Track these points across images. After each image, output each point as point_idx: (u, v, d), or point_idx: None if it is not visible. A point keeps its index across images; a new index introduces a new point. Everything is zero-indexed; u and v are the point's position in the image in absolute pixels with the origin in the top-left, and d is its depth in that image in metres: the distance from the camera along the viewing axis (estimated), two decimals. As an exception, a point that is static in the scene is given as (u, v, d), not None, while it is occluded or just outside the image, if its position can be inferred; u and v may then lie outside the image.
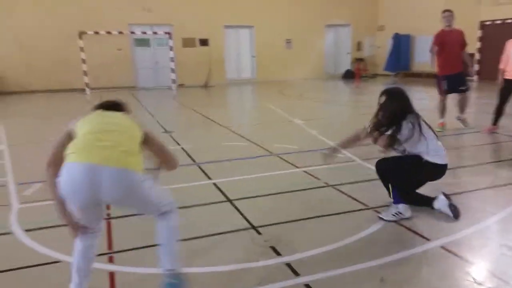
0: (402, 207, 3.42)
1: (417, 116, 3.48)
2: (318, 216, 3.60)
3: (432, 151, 3.43)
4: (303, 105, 11.27)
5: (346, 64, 20.61)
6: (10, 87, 15.45)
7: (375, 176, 4.54)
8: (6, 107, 12.34)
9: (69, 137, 2.30)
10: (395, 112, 3.45)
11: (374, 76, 20.25)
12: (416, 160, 3.44)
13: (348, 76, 19.78)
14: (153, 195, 2.32)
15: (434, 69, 7.33)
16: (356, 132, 3.74)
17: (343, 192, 4.14)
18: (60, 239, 3.23)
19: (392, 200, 3.50)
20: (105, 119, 2.38)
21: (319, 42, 19.93)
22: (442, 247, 2.94)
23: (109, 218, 3.67)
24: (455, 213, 3.41)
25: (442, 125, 7.09)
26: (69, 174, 2.10)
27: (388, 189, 3.54)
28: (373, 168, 4.76)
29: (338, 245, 3.03)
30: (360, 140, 3.74)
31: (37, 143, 7.03)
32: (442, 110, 7.18)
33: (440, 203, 3.50)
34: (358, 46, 20.72)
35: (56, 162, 2.23)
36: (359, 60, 20.13)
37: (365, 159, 5.18)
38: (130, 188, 2.16)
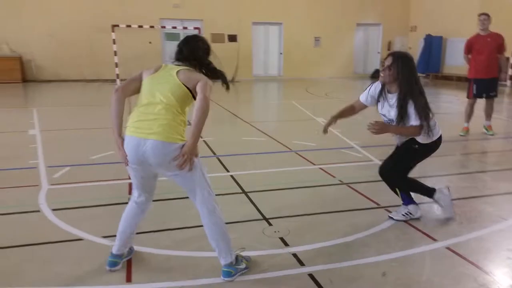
0: (412, 207, 3.45)
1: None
2: (330, 212, 3.69)
3: (433, 129, 3.27)
4: (327, 104, 11.27)
5: (375, 64, 20.37)
6: (46, 76, 16.10)
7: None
8: (41, 95, 12.89)
9: (137, 81, 2.65)
10: (411, 75, 3.19)
11: (404, 77, 19.91)
12: (413, 149, 3.31)
13: (377, 75, 19.37)
14: (192, 173, 2.47)
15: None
16: (352, 103, 3.67)
17: (356, 191, 4.20)
18: (84, 218, 3.47)
19: (402, 201, 3.51)
20: (155, 86, 2.51)
21: (348, 41, 19.76)
22: (448, 248, 2.98)
23: (129, 202, 3.87)
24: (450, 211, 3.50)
25: (466, 129, 7.01)
26: (126, 145, 2.49)
27: (395, 192, 3.50)
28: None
29: (345, 240, 3.12)
30: (355, 111, 3.64)
31: (67, 130, 7.38)
32: (469, 114, 7.07)
33: (443, 197, 3.48)
34: (389, 46, 20.42)
35: (124, 90, 2.63)
36: (389, 60, 19.84)
37: (382, 159, 5.20)
38: (170, 157, 2.39)
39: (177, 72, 2.53)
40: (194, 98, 2.50)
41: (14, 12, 15.41)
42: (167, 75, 2.54)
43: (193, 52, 2.64)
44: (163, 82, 2.50)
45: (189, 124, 2.45)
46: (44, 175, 4.58)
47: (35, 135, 6.66)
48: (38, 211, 3.60)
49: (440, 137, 3.43)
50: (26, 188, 4.17)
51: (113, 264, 2.67)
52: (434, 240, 3.12)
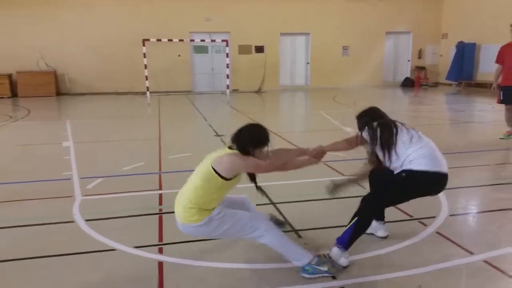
0: (337, 251, 2.83)
1: (385, 122, 3.06)
2: (361, 224, 3.61)
3: (412, 157, 2.87)
4: (356, 113, 11.12)
5: (405, 72, 20.03)
6: (79, 89, 16.67)
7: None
8: (74, 107, 13.33)
9: None
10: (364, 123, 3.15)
11: (435, 85, 19.51)
12: (401, 178, 2.89)
13: (407, 84, 19.21)
14: (226, 231, 2.75)
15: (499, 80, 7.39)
16: (347, 139, 3.36)
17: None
18: (116, 229, 3.53)
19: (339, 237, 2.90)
20: (197, 168, 2.84)
21: (378, 49, 19.54)
22: (485, 261, 2.86)
23: (160, 213, 3.92)
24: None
25: (508, 133, 7.13)
26: None
27: (348, 224, 2.91)
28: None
29: (378, 253, 3.05)
30: (352, 147, 3.33)
31: (99, 142, 7.58)
32: (509, 119, 7.17)
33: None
34: (419, 53, 20.06)
35: None
36: (420, 68, 19.49)
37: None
38: (196, 234, 2.81)
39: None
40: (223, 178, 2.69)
41: (49, 28, 16.10)
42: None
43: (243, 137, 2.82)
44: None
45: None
46: (78, 186, 4.71)
47: (69, 147, 6.87)
48: (73, 221, 3.70)
49: (436, 174, 2.88)
50: (61, 199, 4.30)
51: None
52: (471, 253, 3.00)
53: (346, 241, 2.83)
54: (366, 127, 3.08)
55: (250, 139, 2.77)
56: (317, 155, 3.18)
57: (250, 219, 2.76)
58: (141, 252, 3.09)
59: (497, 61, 7.21)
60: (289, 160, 3.09)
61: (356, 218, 2.86)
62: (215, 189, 2.70)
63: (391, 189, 2.95)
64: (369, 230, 3.16)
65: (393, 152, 2.94)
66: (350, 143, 3.28)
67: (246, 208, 3.06)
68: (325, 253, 2.84)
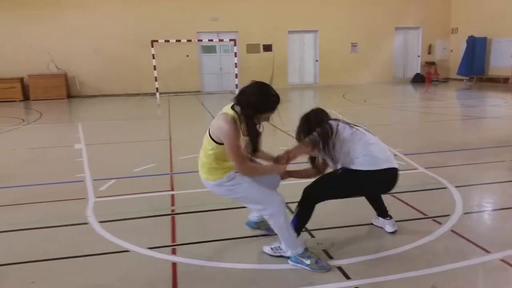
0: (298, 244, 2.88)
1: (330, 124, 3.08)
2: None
3: (359, 155, 2.90)
4: (366, 111, 11.06)
5: (415, 68, 19.86)
6: (89, 92, 16.81)
7: (436, 185, 4.46)
8: (85, 109, 13.45)
9: None
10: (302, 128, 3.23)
11: (446, 80, 19.30)
12: (336, 174, 3.01)
13: (418, 80, 19.04)
14: (237, 199, 2.89)
15: None
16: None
17: (402, 201, 4.07)
18: (130, 230, 3.56)
19: None
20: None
21: (387, 45, 19.38)
22: (502, 260, 2.82)
23: (173, 213, 3.94)
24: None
25: None
26: None
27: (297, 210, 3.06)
28: (437, 177, 4.67)
29: (392, 252, 3.02)
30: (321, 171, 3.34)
31: (110, 143, 7.63)
32: None
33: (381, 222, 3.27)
34: (429, 49, 19.86)
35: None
36: (430, 63, 19.29)
37: (428, 167, 5.04)
38: (214, 192, 2.87)
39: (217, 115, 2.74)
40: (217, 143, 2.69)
41: (58, 32, 16.23)
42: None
43: (245, 98, 2.66)
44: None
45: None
46: (91, 188, 4.75)
47: (81, 149, 6.93)
48: (86, 223, 3.73)
49: (380, 172, 2.90)
50: (74, 201, 4.34)
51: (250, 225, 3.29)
52: (487, 251, 2.96)
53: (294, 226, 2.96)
54: (308, 139, 3.10)
55: (250, 102, 2.60)
56: (281, 160, 3.11)
57: (261, 197, 2.77)
58: (154, 253, 3.10)
59: None
60: (258, 167, 3.02)
61: (298, 208, 3.05)
62: (216, 151, 2.70)
63: (328, 184, 3.08)
64: (378, 224, 3.41)
65: (334, 155, 2.99)
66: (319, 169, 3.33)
67: (273, 186, 3.04)
68: (318, 254, 2.93)
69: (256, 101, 2.61)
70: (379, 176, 2.94)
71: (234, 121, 2.62)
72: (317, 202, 3.05)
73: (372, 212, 3.48)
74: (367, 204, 3.68)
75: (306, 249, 2.85)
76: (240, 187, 2.77)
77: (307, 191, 3.05)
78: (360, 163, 2.90)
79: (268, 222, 2.89)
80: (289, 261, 2.88)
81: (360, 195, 3.33)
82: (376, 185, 3.04)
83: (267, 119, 2.78)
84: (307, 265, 2.80)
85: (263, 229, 3.30)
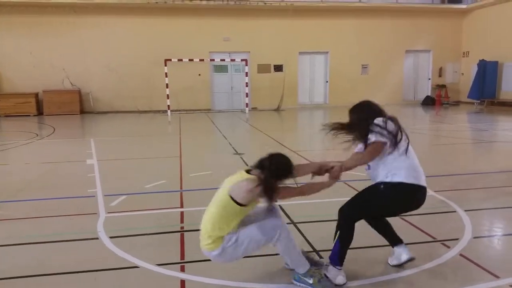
0: (333, 271, 2.85)
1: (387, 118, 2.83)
2: (383, 246, 3.57)
3: (396, 168, 2.75)
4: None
5: (426, 91, 19.91)
6: (102, 108, 17.10)
7: (446, 208, 4.44)
8: (97, 125, 13.65)
9: None
10: (357, 120, 2.94)
11: (457, 103, 19.28)
12: (379, 191, 2.80)
13: (428, 102, 19.05)
14: (246, 248, 2.77)
15: None
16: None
17: (410, 223, 4.06)
18: (140, 246, 3.59)
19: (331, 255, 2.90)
20: (215, 195, 2.84)
21: (397, 68, 19.50)
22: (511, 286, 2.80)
23: (182, 231, 3.97)
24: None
25: None
26: None
27: (334, 239, 2.91)
28: (446, 200, 4.66)
29: (401, 275, 3.01)
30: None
31: (122, 159, 7.74)
32: None
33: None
34: (440, 72, 19.93)
35: None
36: (441, 86, 19.32)
37: (437, 191, 5.02)
38: (219, 261, 2.82)
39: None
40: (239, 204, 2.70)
41: (74, 49, 16.67)
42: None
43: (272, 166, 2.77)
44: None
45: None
46: (102, 203, 4.82)
47: (93, 164, 7.03)
48: (97, 238, 3.78)
49: (418, 187, 2.76)
50: (86, 216, 4.40)
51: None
52: (496, 277, 2.94)
53: (337, 258, 2.84)
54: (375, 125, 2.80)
55: (275, 170, 2.73)
56: (337, 174, 2.94)
57: (263, 233, 2.75)
58: (163, 270, 3.14)
59: None
60: (306, 188, 2.95)
61: (338, 232, 2.86)
62: (233, 215, 2.71)
63: (367, 201, 2.87)
64: (393, 262, 3.11)
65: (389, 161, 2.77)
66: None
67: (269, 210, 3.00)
68: (322, 272, 2.89)
69: (281, 169, 2.78)
70: (419, 194, 2.77)
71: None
72: (355, 221, 2.89)
73: (382, 239, 3.30)
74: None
75: (309, 269, 2.88)
76: (240, 237, 2.74)
77: (345, 212, 2.89)
78: (405, 176, 2.71)
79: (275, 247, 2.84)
80: (293, 280, 2.91)
81: (398, 213, 3.06)
82: (412, 201, 2.81)
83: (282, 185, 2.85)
84: (310, 284, 2.83)
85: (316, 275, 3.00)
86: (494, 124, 12.62)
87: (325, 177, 2.98)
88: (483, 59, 17.39)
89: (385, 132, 2.73)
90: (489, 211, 4.45)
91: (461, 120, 13.99)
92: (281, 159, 2.82)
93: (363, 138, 2.85)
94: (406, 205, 2.88)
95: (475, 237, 3.67)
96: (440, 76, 19.97)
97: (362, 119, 2.90)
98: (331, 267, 2.86)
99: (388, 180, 2.76)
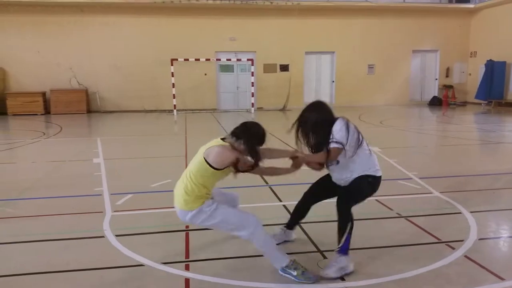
0: (345, 260, 3.06)
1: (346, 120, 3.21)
2: (387, 247, 3.58)
3: (371, 162, 3.24)
4: (382, 132, 11.04)
5: (433, 91, 19.79)
6: (109, 107, 17.20)
7: (451, 210, 4.43)
8: (104, 125, 13.74)
9: None
10: (315, 121, 3.19)
11: (464, 104, 19.16)
12: (367, 182, 3.21)
13: (435, 103, 18.95)
14: (215, 224, 3.02)
15: None
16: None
17: (415, 224, 4.06)
18: (145, 245, 3.63)
19: (338, 247, 3.09)
20: (193, 158, 3.13)
21: (404, 68, 19.41)
22: (517, 288, 2.79)
23: (187, 230, 4.00)
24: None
25: None
26: None
27: (343, 231, 3.08)
28: (452, 202, 4.65)
29: (405, 276, 3.01)
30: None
31: (129, 158, 7.78)
32: None
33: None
34: (447, 72, 19.81)
35: None
36: (448, 87, 19.20)
37: (443, 192, 5.01)
38: (189, 221, 3.03)
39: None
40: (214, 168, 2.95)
41: (82, 48, 16.77)
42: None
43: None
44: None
45: None
46: (108, 202, 4.86)
47: (99, 163, 7.08)
48: (103, 236, 3.81)
49: (380, 176, 3.30)
50: (92, 214, 4.44)
51: None
52: (501, 278, 2.93)
53: (347, 247, 3.09)
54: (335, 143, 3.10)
55: (248, 136, 3.00)
56: (299, 165, 3.36)
57: (239, 219, 2.99)
58: (168, 268, 3.16)
59: None
60: (270, 169, 3.40)
61: (348, 224, 3.09)
62: (207, 178, 2.97)
63: (361, 192, 3.26)
64: (278, 240, 3.55)
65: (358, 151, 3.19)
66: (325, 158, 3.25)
67: (234, 205, 3.36)
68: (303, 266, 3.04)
69: (253, 135, 3.08)
70: (379, 182, 3.31)
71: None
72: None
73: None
74: (379, 228, 3.71)
75: (293, 261, 3.00)
76: (218, 211, 2.98)
77: (346, 206, 3.16)
78: (379, 169, 3.28)
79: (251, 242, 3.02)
80: (279, 271, 3.02)
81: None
82: (375, 189, 3.32)
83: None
84: (294, 276, 2.95)
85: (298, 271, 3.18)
86: (501, 125, 12.53)
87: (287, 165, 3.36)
88: (490, 59, 17.27)
89: (344, 141, 3.09)
90: (495, 213, 4.43)
91: (468, 121, 13.91)
92: (254, 126, 3.10)
93: (322, 139, 3.19)
94: (372, 193, 3.36)
95: (480, 239, 3.66)
96: (447, 76, 19.85)
97: (322, 120, 3.22)
98: (343, 257, 3.05)
99: (371, 173, 3.22)
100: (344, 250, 3.06)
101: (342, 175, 3.29)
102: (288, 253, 3.32)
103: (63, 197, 5.15)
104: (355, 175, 3.22)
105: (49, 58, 16.61)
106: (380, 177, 3.28)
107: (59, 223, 4.25)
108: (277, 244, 3.21)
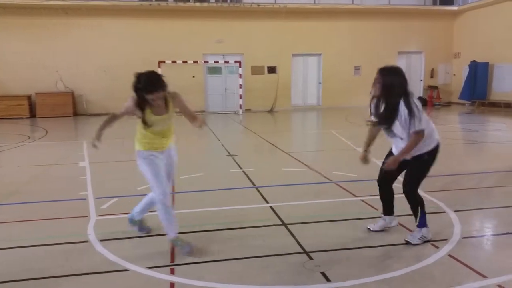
0: (426, 230, 3.58)
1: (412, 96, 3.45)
2: (372, 246, 3.61)
3: (431, 134, 3.48)
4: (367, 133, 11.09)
5: (418, 92, 19.99)
6: (95, 110, 17.01)
7: (435, 209, 4.48)
8: (90, 127, 13.57)
9: None
10: (390, 84, 3.42)
11: (448, 104, 19.42)
12: (425, 161, 3.48)
13: (420, 103, 19.11)
14: (142, 170, 3.52)
15: None
16: (369, 131, 3.88)
17: (400, 224, 4.09)
18: (129, 249, 3.59)
19: (416, 223, 3.60)
20: None
21: (389, 69, 19.56)
22: (499, 286, 2.83)
23: (172, 233, 3.97)
24: None
25: None
26: None
27: (417, 212, 3.56)
28: (436, 201, 4.70)
29: (390, 275, 3.03)
30: (375, 134, 3.84)
31: (114, 162, 7.71)
32: None
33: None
34: (432, 73, 20.06)
35: None
36: (433, 87, 19.45)
37: (427, 191, 5.06)
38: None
39: None
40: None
41: (68, 51, 16.58)
42: None
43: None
44: None
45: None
46: (93, 206, 4.80)
47: (85, 167, 7.01)
48: (87, 241, 3.77)
49: (438, 143, 3.53)
50: (76, 219, 4.39)
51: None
52: (483, 276, 2.97)
53: (424, 221, 3.56)
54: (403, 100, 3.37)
55: (133, 85, 3.44)
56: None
57: (151, 181, 3.45)
58: (153, 272, 3.13)
59: None
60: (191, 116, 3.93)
61: (418, 208, 3.54)
62: (139, 125, 3.53)
63: (421, 173, 3.52)
64: (375, 228, 3.87)
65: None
66: (374, 131, 3.88)
67: (169, 170, 3.69)
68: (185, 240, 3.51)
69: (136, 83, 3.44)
70: (438, 147, 3.55)
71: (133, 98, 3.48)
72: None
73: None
74: (364, 227, 3.75)
75: (177, 238, 3.48)
76: (141, 165, 3.49)
77: (412, 190, 3.54)
78: (435, 139, 3.52)
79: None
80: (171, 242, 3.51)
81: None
82: (435, 158, 3.56)
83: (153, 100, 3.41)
84: (178, 246, 3.45)
85: (138, 226, 3.90)
86: (485, 125, 12.73)
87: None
88: (474, 60, 17.54)
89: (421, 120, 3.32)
90: (478, 212, 4.49)
91: (452, 121, 14.10)
92: (141, 75, 3.45)
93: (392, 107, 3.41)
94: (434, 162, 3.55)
95: (463, 238, 3.71)
96: (432, 77, 20.09)
97: (393, 88, 3.42)
98: (423, 229, 3.55)
99: (428, 149, 3.44)
100: (422, 224, 3.54)
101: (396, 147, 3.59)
102: (272, 255, 3.35)
103: (48, 202, 5.07)
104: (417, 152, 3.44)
105: (35, 61, 16.39)
106: (437, 146, 3.48)
107: (43, 228, 4.19)
108: (378, 231, 3.83)
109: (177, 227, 3.54)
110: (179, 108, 3.70)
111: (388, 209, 3.88)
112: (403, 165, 3.55)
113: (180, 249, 3.45)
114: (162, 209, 3.44)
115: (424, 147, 3.42)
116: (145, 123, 3.41)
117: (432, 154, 3.47)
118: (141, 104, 3.40)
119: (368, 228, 3.90)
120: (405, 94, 3.36)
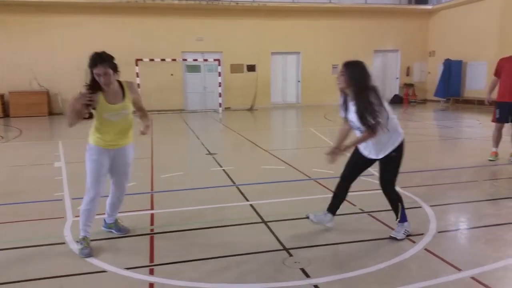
0: (407, 224, 3.68)
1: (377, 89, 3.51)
2: (351, 242, 3.66)
3: (396, 129, 3.54)
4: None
5: (394, 89, 20.35)
6: (72, 109, 16.66)
7: (411, 204, 4.57)
8: (66, 127, 13.28)
9: None
10: (356, 78, 3.53)
11: (424, 101, 19.83)
12: (395, 157, 3.53)
13: (396, 101, 19.49)
14: (86, 168, 3.59)
15: (492, 94, 6.95)
16: (341, 127, 3.82)
17: (378, 219, 4.16)
18: (107, 250, 3.54)
19: (398, 219, 3.68)
20: None
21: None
22: (473, 278, 2.91)
23: (151, 233, 3.94)
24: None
25: (494, 154, 6.84)
26: None
27: (397, 209, 3.65)
28: (412, 196, 4.80)
29: (368, 270, 3.08)
30: (348, 130, 3.75)
31: (92, 162, 7.57)
32: (496, 138, 6.85)
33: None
34: (407, 71, 20.44)
35: None
36: (408, 85, 19.82)
37: (403, 187, 5.16)
38: None
39: None
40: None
41: (42, 49, 16.19)
42: None
43: None
44: None
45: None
46: (69, 207, 4.71)
47: (61, 167, 6.87)
48: (64, 243, 3.69)
49: (403, 138, 3.58)
50: (52, 221, 4.30)
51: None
52: (458, 269, 3.05)
53: (404, 215, 3.65)
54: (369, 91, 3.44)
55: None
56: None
57: (89, 180, 3.56)
58: (132, 273, 3.10)
59: (495, 74, 6.80)
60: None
61: (398, 205, 3.64)
62: (95, 118, 3.55)
63: (394, 170, 3.60)
64: (314, 219, 3.85)
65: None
66: (346, 127, 3.78)
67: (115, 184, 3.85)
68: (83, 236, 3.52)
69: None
70: (403, 144, 3.60)
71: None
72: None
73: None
74: (343, 223, 3.79)
75: (84, 238, 3.47)
76: (88, 161, 3.56)
77: (389, 188, 3.63)
78: (399, 134, 3.58)
79: None
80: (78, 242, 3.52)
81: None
82: (402, 154, 3.61)
83: (98, 77, 3.47)
84: (79, 249, 3.42)
85: (114, 229, 3.89)
86: (459, 121, 13.06)
87: None
88: (448, 59, 17.95)
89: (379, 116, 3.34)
90: (453, 206, 4.61)
91: (427, 118, 14.41)
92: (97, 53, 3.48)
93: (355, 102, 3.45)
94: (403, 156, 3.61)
95: (439, 232, 3.80)
96: (407, 75, 20.47)
97: (357, 81, 3.56)
98: (406, 223, 3.64)
99: (393, 147, 3.50)
100: (403, 219, 3.64)
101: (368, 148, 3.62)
102: (252, 253, 3.36)
103: (23, 203, 4.94)
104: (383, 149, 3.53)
105: (8, 59, 15.93)
106: (402, 141, 3.54)
107: (18, 230, 4.08)
108: (316, 223, 3.83)
109: (89, 228, 3.55)
110: (133, 100, 3.68)
111: (334, 208, 3.88)
112: (365, 164, 3.71)
113: (80, 250, 3.42)
114: (88, 205, 3.51)
115: (390, 146, 3.50)
116: (95, 109, 3.44)
117: (399, 151, 3.53)
118: (94, 85, 3.44)
119: (307, 216, 3.88)
120: (367, 87, 3.43)
